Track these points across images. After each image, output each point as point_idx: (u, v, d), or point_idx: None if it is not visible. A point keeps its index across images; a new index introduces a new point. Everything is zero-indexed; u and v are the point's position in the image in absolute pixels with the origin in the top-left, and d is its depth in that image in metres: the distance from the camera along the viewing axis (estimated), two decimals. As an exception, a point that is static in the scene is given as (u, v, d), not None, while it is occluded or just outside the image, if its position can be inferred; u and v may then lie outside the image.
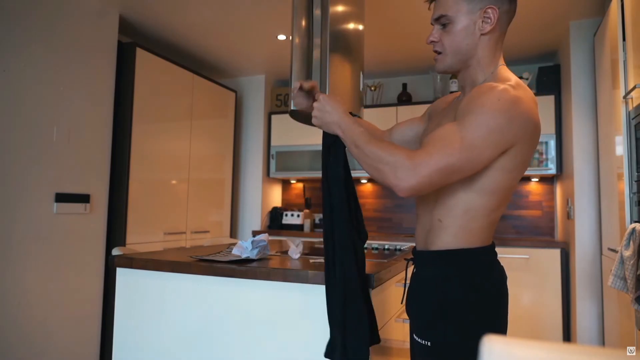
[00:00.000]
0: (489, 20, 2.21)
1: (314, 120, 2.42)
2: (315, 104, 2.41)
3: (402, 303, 2.47)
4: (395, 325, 3.31)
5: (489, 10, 2.20)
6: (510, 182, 2.14)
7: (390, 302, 3.23)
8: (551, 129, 6.83)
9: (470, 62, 2.29)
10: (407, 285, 2.49)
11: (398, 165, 1.94)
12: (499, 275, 2.22)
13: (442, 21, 2.26)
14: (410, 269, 2.52)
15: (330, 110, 2.34)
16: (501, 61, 2.31)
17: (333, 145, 2.45)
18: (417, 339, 2.22)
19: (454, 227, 2.17)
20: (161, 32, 6.60)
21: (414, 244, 5.03)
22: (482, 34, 2.23)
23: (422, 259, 2.31)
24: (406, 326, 3.35)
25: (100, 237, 5.60)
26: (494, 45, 2.27)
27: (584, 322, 5.88)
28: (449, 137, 1.96)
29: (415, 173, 1.90)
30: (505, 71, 2.24)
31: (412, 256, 2.51)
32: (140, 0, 5.67)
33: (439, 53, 2.32)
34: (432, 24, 2.33)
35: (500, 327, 2.18)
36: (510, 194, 2.22)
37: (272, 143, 8.40)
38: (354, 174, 7.82)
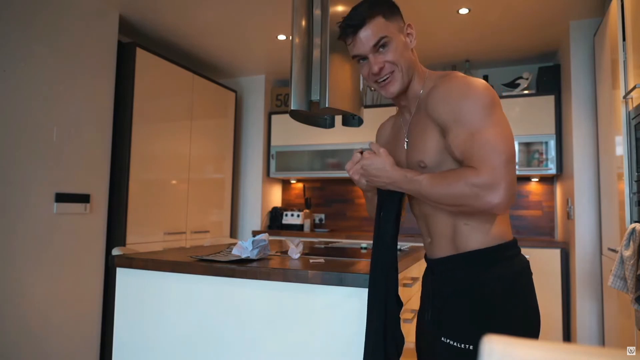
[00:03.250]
0: (412, 36, 2.38)
1: (368, 181, 2.40)
2: (360, 164, 2.36)
3: (425, 317, 2.47)
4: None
5: (409, 27, 2.38)
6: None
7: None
8: (551, 129, 6.84)
9: (412, 76, 2.39)
10: (426, 293, 2.52)
11: (478, 192, 2.00)
12: (528, 268, 2.32)
13: (383, 42, 2.30)
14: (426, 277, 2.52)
15: (378, 174, 2.30)
16: (426, 70, 2.48)
17: (385, 202, 2.45)
18: (453, 343, 2.21)
19: (483, 225, 2.23)
20: (161, 32, 6.61)
21: (415, 244, 5.03)
22: (411, 49, 2.38)
23: (453, 263, 2.31)
24: (409, 327, 3.35)
25: (100, 237, 5.60)
26: (415, 58, 2.43)
27: (584, 322, 5.87)
28: (483, 138, 2.05)
29: (498, 187, 1.97)
30: (446, 73, 2.37)
31: (427, 264, 2.51)
32: (141, 0, 5.68)
33: (387, 76, 2.34)
34: (365, 56, 2.35)
35: (535, 321, 2.25)
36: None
37: (272, 143, 8.40)
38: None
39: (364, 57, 2.34)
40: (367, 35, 2.29)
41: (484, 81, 2.17)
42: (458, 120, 2.10)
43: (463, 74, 2.24)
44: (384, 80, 2.35)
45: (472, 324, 2.17)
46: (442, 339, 2.26)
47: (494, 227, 2.22)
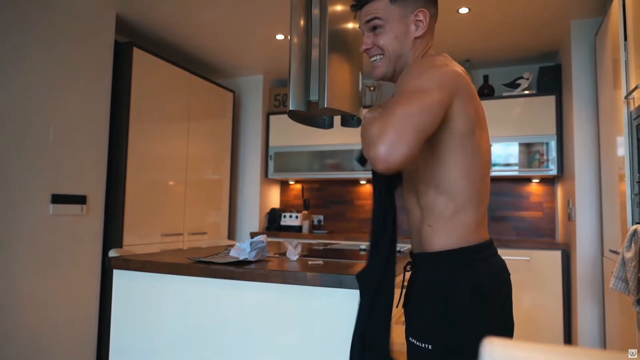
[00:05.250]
0: (421, 24, 2.31)
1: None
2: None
3: (397, 307, 2.46)
4: (395, 327, 3.31)
5: (420, 14, 2.30)
6: (475, 157, 2.17)
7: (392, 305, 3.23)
8: (552, 129, 6.85)
9: (405, 66, 2.36)
10: (405, 289, 2.50)
11: (368, 141, 1.90)
12: (500, 272, 2.25)
13: (375, 24, 2.33)
14: (408, 273, 2.51)
15: (369, 123, 2.30)
16: None
17: (386, 215, 2.41)
18: (414, 341, 2.21)
19: (446, 228, 2.18)
20: (158, 32, 6.61)
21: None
22: (415, 37, 2.32)
23: (420, 261, 2.32)
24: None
25: (97, 238, 5.60)
26: (424, 48, 2.37)
27: (585, 325, 5.87)
28: (391, 101, 1.97)
29: (380, 139, 1.81)
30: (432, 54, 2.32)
31: (410, 259, 2.49)
32: (137, -1, 5.69)
33: (377, 57, 2.37)
34: (360, 29, 2.41)
35: (505, 327, 2.20)
36: (487, 180, 2.27)
37: (271, 144, 8.41)
38: (353, 174, 7.86)
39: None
40: (366, 11, 2.35)
41: (450, 65, 2.13)
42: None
43: (440, 56, 2.21)
44: (374, 61, 2.39)
45: (432, 324, 2.16)
46: (409, 338, 2.27)
47: (460, 229, 2.17)
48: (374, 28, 2.34)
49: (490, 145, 2.42)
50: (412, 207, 2.36)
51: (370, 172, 2.41)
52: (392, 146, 1.76)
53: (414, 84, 1.98)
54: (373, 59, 2.39)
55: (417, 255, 2.34)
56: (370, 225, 2.39)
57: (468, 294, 2.12)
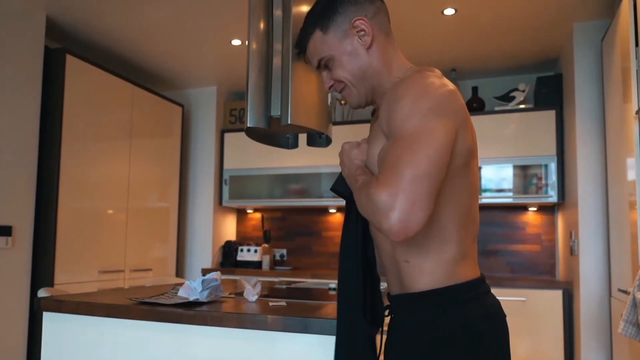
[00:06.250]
0: (364, 32, 2.35)
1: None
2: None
3: (377, 358, 2.47)
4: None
5: (357, 24, 2.34)
6: (464, 184, 2.19)
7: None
8: (552, 149, 6.86)
9: (374, 81, 2.39)
10: (385, 336, 2.49)
11: (373, 209, 1.92)
12: (495, 313, 2.24)
13: (325, 64, 2.41)
14: (387, 319, 2.51)
15: (346, 163, 2.37)
16: (407, 63, 2.43)
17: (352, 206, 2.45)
18: None
19: (427, 264, 2.18)
20: (95, 37, 6.58)
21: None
22: (367, 49, 2.36)
23: (400, 304, 2.31)
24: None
25: (24, 275, 5.53)
26: (386, 50, 2.40)
27: (589, 374, 5.89)
28: (395, 145, 2.00)
29: (391, 209, 1.85)
30: (419, 71, 2.30)
31: (387, 302, 2.50)
32: (71, -2, 5.68)
33: (342, 91, 2.44)
34: (316, 71, 2.53)
35: None
36: (474, 208, 2.28)
37: (226, 166, 8.40)
38: (321, 202, 7.85)
39: None
40: (309, 57, 2.48)
41: (444, 85, 2.13)
42: (392, 128, 2.09)
43: (428, 73, 2.20)
44: (341, 95, 2.44)
45: None
46: None
47: (444, 265, 2.16)
48: (325, 65, 2.42)
49: (480, 167, 2.45)
50: (381, 239, 2.36)
51: (344, 200, 2.44)
52: (407, 216, 1.84)
53: (414, 125, 2.00)
54: (341, 95, 2.44)
55: (396, 297, 2.34)
56: (339, 262, 2.41)
57: (458, 339, 2.11)
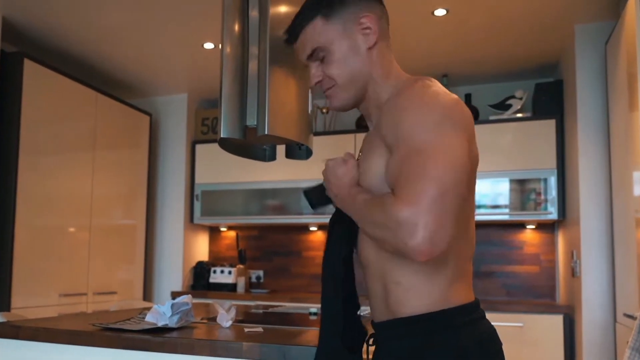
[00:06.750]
0: (370, 31, 2.33)
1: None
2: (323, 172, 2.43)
3: None
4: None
5: (364, 20, 2.32)
6: (467, 203, 2.19)
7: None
8: (551, 162, 6.86)
9: (368, 85, 2.38)
10: None
11: (394, 227, 1.89)
12: (490, 340, 2.23)
13: (318, 55, 2.37)
14: (372, 348, 2.50)
15: (333, 181, 2.34)
16: (404, 74, 2.42)
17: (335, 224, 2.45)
18: None
19: (420, 285, 2.16)
20: (56, 40, 6.56)
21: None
22: (368, 48, 2.34)
23: (386, 330, 2.29)
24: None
25: (-25, 301, 5.52)
26: (385, 56, 2.40)
27: (592, 406, 5.89)
28: (415, 160, 1.96)
29: (416, 227, 1.83)
30: (420, 79, 2.28)
31: (371, 330, 2.49)
32: (29, -2, 5.65)
33: (329, 89, 2.40)
34: (301, 61, 2.46)
35: None
36: (472, 226, 2.29)
37: (197, 180, 8.38)
38: (301, 219, 7.85)
39: None
40: (301, 44, 2.40)
41: (448, 94, 2.14)
42: (400, 139, 2.06)
43: (429, 82, 2.20)
44: (326, 93, 2.42)
45: None
46: None
47: (438, 287, 2.15)
48: (317, 56, 2.37)
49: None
50: (371, 257, 2.33)
51: (321, 214, 2.45)
52: (435, 234, 1.83)
53: (430, 137, 1.99)
54: (326, 92, 2.42)
55: (382, 324, 2.31)
56: (322, 284, 2.41)
57: None
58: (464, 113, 2.12)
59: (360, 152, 2.55)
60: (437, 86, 2.18)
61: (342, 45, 2.31)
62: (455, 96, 2.16)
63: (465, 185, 1.98)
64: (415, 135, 2.00)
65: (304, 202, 7.77)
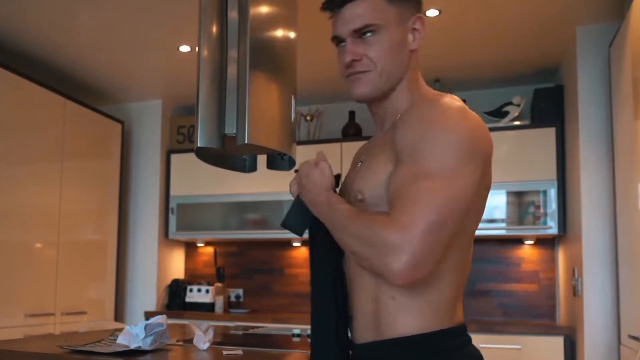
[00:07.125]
0: (419, 35, 2.35)
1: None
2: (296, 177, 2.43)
3: None
4: None
5: (418, 22, 2.34)
6: (471, 227, 2.21)
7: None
8: (551, 173, 6.86)
9: (397, 87, 2.36)
10: None
11: (380, 247, 1.92)
12: None
13: (365, 34, 2.29)
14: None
15: (308, 187, 2.33)
16: (429, 88, 2.44)
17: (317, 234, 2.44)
18: None
19: (415, 303, 2.15)
20: (21, 43, 6.53)
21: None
22: (411, 50, 2.35)
23: (373, 352, 2.25)
24: None
25: None
26: (417, 65, 2.42)
27: None
28: (423, 184, 1.96)
29: (402, 251, 1.87)
30: (446, 95, 2.27)
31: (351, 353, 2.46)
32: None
33: (363, 72, 2.32)
34: (338, 35, 2.37)
35: None
36: (472, 247, 2.30)
37: (172, 192, 8.37)
38: (284, 234, 7.81)
39: (343, 40, 2.35)
40: (352, 14, 2.29)
41: (477, 119, 2.14)
42: (413, 155, 2.06)
43: (458, 103, 2.17)
44: (355, 75, 2.33)
45: None
46: None
47: (433, 306, 2.15)
48: (364, 33, 2.28)
49: None
50: (360, 269, 2.28)
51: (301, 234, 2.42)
52: (420, 262, 1.88)
53: (444, 162, 2.00)
54: (353, 73, 2.34)
55: (369, 345, 2.27)
56: (311, 301, 2.39)
57: None
58: (484, 137, 2.14)
59: (359, 158, 2.56)
60: (458, 103, 2.17)
61: (395, 33, 2.29)
62: (478, 117, 2.16)
63: (465, 213, 2.00)
64: (431, 156, 2.01)
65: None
